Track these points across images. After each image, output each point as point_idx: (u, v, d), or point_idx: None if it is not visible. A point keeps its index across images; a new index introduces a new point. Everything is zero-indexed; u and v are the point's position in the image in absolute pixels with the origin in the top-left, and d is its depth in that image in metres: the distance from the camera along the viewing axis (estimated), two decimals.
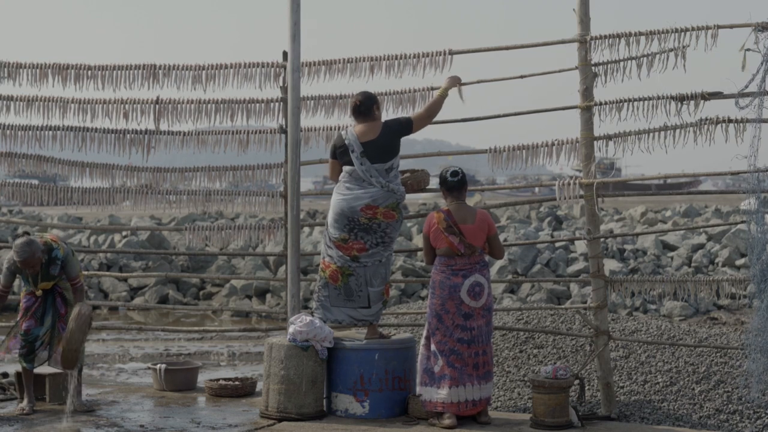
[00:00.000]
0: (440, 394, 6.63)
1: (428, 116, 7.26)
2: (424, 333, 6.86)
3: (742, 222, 6.98)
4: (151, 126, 8.29)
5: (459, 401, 6.62)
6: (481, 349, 6.71)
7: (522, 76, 7.85)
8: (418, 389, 6.80)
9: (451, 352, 6.65)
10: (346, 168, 7.07)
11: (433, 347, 6.74)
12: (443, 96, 7.35)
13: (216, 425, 6.75)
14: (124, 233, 21.29)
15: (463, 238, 6.69)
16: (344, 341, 7.01)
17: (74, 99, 8.27)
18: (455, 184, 6.83)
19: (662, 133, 7.29)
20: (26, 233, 7.25)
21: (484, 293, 6.71)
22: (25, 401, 7.20)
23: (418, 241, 21.47)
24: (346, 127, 7.41)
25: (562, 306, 10.81)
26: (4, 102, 8.31)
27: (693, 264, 19.51)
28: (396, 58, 8.01)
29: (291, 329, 6.92)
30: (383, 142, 7.00)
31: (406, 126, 7.12)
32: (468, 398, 6.65)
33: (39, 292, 7.26)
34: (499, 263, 18.30)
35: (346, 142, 7.05)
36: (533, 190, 45.29)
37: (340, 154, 7.10)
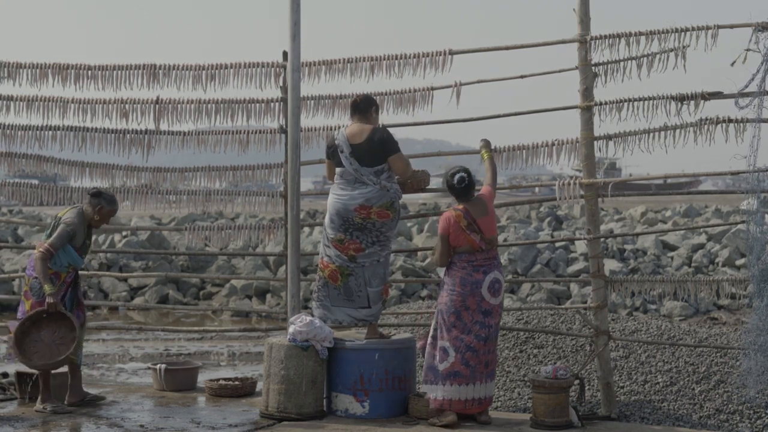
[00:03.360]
0: (446, 392, 6.61)
1: (401, 170, 7.09)
2: (431, 332, 6.81)
3: (742, 222, 6.98)
4: (151, 126, 8.29)
5: (465, 399, 6.61)
6: (493, 346, 6.72)
7: (522, 76, 7.85)
8: (423, 387, 6.77)
9: (467, 349, 6.61)
10: (337, 169, 7.09)
11: (443, 344, 6.67)
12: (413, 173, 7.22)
13: (216, 425, 6.74)
14: (124, 233, 21.30)
15: (482, 235, 6.67)
16: (344, 341, 7.00)
17: (74, 99, 8.27)
18: (464, 191, 6.79)
19: (662, 133, 7.28)
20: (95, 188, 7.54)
21: (501, 290, 6.73)
22: (46, 401, 7.17)
23: (418, 241, 21.46)
24: (339, 127, 7.41)
25: (562, 306, 10.81)
26: (4, 102, 8.31)
27: (693, 264, 19.52)
28: (396, 58, 8.01)
29: (291, 329, 6.92)
30: (369, 146, 6.99)
31: (387, 149, 6.98)
32: (475, 396, 6.64)
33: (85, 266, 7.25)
34: None
35: (336, 142, 7.07)
36: (533, 190, 45.30)
37: (332, 154, 7.13)
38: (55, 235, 7.10)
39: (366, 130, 7.04)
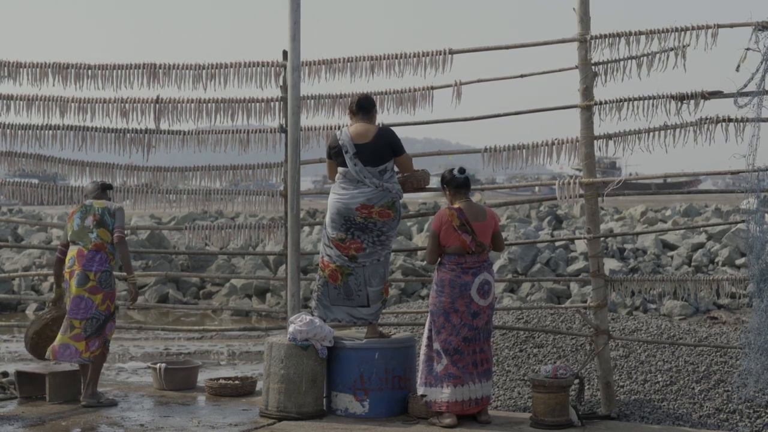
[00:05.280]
0: (444, 394, 6.61)
1: (408, 169, 7.19)
2: (425, 333, 6.85)
3: (742, 221, 6.98)
4: (152, 125, 8.30)
5: (462, 400, 6.62)
6: (479, 346, 6.71)
7: (522, 76, 7.86)
8: (422, 390, 6.78)
9: (455, 352, 6.64)
10: (340, 169, 7.08)
11: (436, 346, 6.71)
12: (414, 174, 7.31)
13: (216, 424, 6.74)
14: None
15: (474, 237, 6.68)
16: (344, 340, 7.01)
17: (74, 98, 8.28)
18: (464, 181, 6.81)
19: (662, 132, 7.29)
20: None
21: (491, 291, 6.73)
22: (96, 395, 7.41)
23: (418, 240, 21.48)
24: (341, 127, 7.41)
25: (562, 305, 10.82)
26: (4, 101, 8.31)
27: (693, 263, 19.53)
28: (396, 58, 8.01)
29: (291, 328, 6.92)
30: (376, 147, 7.00)
31: (396, 150, 7.07)
32: (471, 397, 6.65)
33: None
34: (499, 262, 18.33)
35: (340, 142, 7.06)
36: (533, 189, 45.34)
37: (335, 154, 7.12)
38: (121, 221, 7.39)
39: (372, 130, 7.05)
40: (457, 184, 6.81)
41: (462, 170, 6.85)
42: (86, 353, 7.23)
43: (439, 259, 6.80)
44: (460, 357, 6.64)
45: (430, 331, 6.79)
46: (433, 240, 6.78)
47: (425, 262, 19.51)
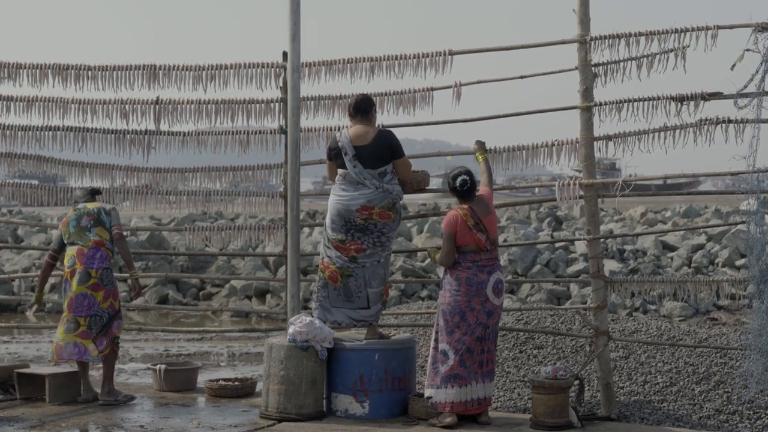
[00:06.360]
0: (448, 394, 6.60)
1: (406, 173, 7.15)
2: (433, 335, 6.81)
3: (742, 222, 6.98)
4: (151, 126, 8.30)
5: (466, 400, 6.61)
6: (487, 346, 6.70)
7: (522, 77, 7.85)
8: (428, 391, 6.76)
9: (466, 351, 6.60)
10: (340, 170, 7.06)
11: (443, 347, 6.68)
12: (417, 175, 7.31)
13: (216, 426, 6.74)
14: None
15: (488, 234, 6.67)
16: (344, 341, 7.00)
17: (74, 99, 8.28)
18: (466, 193, 6.78)
19: (662, 133, 7.29)
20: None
21: (503, 290, 6.73)
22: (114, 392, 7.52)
23: (418, 241, 21.47)
24: (341, 129, 7.41)
25: (562, 306, 10.81)
26: (4, 102, 8.31)
27: (693, 264, 19.54)
28: (396, 59, 8.01)
29: (291, 330, 6.92)
30: (375, 149, 6.98)
31: (395, 153, 7.03)
32: (474, 397, 6.63)
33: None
34: None
35: (339, 144, 7.04)
36: (533, 190, 45.33)
37: (334, 156, 7.10)
38: (117, 219, 7.55)
39: (371, 132, 7.03)
40: (460, 195, 6.78)
41: (464, 182, 6.77)
42: (95, 352, 7.32)
43: None
44: (469, 356, 6.61)
45: (437, 333, 6.76)
46: (450, 242, 6.66)
47: (428, 262, 19.69)
